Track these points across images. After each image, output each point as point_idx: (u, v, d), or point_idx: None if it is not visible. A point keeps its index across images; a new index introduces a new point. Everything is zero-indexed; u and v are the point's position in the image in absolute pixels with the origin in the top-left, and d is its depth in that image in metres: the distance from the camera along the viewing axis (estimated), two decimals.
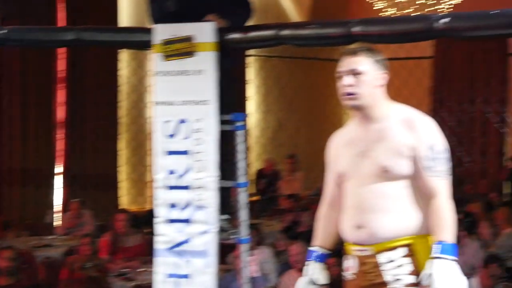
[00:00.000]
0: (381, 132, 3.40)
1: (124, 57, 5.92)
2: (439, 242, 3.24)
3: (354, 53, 3.42)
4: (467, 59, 13.37)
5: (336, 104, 5.99)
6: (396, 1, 11.85)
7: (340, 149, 3.57)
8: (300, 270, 6.78)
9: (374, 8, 12.21)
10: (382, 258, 3.39)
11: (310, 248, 3.70)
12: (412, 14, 10.94)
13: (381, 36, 4.28)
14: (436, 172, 3.33)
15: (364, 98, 3.38)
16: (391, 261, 3.38)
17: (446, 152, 3.37)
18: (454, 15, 4.04)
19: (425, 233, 3.37)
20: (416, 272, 3.33)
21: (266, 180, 11.53)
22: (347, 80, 3.39)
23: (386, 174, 3.36)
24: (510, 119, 8.75)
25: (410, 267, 3.35)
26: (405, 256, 3.37)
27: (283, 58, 6.65)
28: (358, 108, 3.43)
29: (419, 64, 4.78)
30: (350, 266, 3.53)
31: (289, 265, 7.74)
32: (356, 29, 4.27)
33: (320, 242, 3.69)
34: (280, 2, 14.65)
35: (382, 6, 11.95)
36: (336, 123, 5.61)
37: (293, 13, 14.77)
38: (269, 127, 8.58)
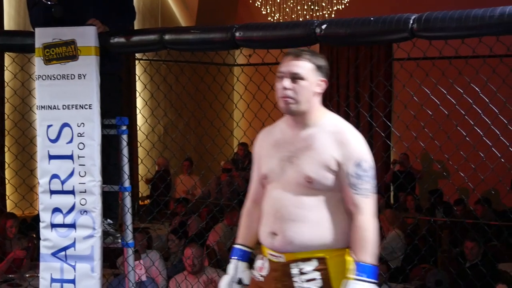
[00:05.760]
0: (309, 140, 3.34)
1: (6, 61, 5.80)
2: (358, 263, 3.20)
3: (297, 55, 3.32)
4: (352, 65, 13.71)
5: (219, 109, 6.03)
6: (283, 6, 12.05)
7: (267, 148, 3.49)
8: (194, 273, 6.88)
9: (263, 13, 12.39)
10: (294, 268, 3.33)
11: (234, 246, 3.63)
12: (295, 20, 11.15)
13: (264, 41, 4.34)
14: (361, 190, 3.27)
15: (301, 104, 3.30)
16: (303, 273, 3.32)
17: (373, 169, 3.32)
18: (332, 21, 4.12)
19: (341, 247, 3.32)
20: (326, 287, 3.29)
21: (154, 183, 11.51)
22: (286, 83, 3.30)
23: (309, 184, 3.29)
24: (395, 124, 8.99)
25: (320, 283, 3.30)
26: (316, 270, 3.31)
27: (167, 62, 6.66)
28: (293, 113, 3.35)
29: None
30: (261, 267, 3.48)
31: (178, 268, 7.79)
32: (239, 34, 4.33)
33: (243, 240, 3.62)
34: (168, 7, 14.66)
35: (269, 11, 12.13)
36: (220, 128, 5.64)
37: (181, 18, 14.81)
38: (154, 131, 8.58)
